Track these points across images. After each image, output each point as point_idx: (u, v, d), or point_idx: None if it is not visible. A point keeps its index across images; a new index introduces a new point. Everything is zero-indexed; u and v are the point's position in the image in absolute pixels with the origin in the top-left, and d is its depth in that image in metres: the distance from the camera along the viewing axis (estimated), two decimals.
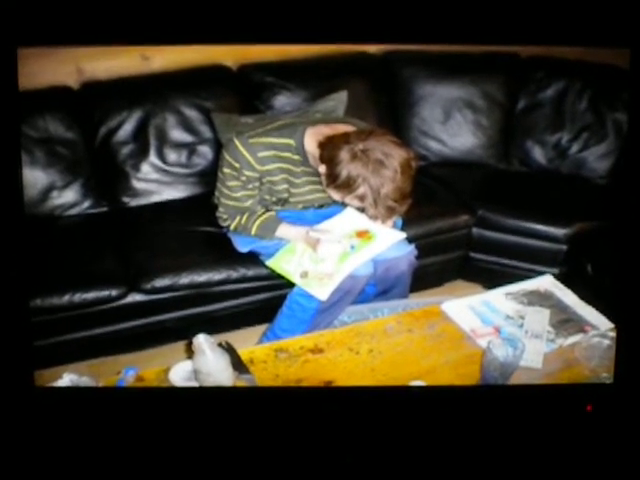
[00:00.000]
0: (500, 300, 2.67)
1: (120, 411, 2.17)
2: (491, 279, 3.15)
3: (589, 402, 2.19)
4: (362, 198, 2.60)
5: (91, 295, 2.87)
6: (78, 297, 2.85)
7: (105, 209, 3.39)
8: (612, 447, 2.15)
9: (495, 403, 2.23)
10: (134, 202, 3.41)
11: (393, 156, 2.55)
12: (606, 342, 2.36)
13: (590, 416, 2.19)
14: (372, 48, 4.00)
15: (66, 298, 2.83)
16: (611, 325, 2.48)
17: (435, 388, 2.28)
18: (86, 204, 3.33)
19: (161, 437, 2.15)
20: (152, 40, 2.35)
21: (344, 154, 2.56)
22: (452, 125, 3.91)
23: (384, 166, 2.53)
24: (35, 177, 3.21)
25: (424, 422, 2.20)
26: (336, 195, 2.71)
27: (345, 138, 2.62)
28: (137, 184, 3.40)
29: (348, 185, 2.58)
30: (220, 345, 2.26)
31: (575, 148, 3.79)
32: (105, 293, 2.89)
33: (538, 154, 3.87)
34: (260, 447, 2.16)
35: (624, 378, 2.16)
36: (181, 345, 2.92)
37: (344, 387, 2.29)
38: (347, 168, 2.55)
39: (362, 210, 2.71)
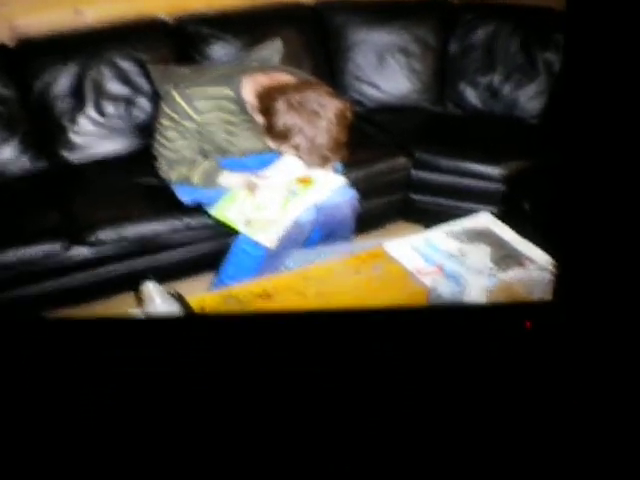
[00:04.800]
0: (441, 239, 2.64)
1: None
2: (432, 219, 3.12)
3: (528, 319, 2.20)
4: (297, 147, 2.62)
5: (36, 249, 2.79)
6: (22, 252, 2.77)
7: (45, 165, 3.27)
8: (552, 364, 2.17)
9: (436, 324, 2.23)
10: (73, 156, 3.29)
11: (328, 107, 2.57)
12: (546, 276, 2.35)
13: (530, 333, 2.20)
14: None
15: (11, 254, 2.75)
16: (549, 259, 2.47)
17: (381, 309, 2.26)
18: (24, 160, 3.20)
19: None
20: None
21: (281, 105, 2.58)
22: (386, 70, 3.86)
23: (319, 117, 2.55)
24: None
25: (371, 341, 2.20)
26: (273, 144, 2.72)
27: (282, 89, 2.63)
28: (75, 138, 3.28)
29: (284, 135, 2.61)
30: (170, 294, 2.20)
31: (507, 89, 3.78)
32: (50, 247, 2.81)
33: (471, 96, 3.85)
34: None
35: (562, 296, 2.18)
36: (130, 295, 2.85)
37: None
38: (283, 118, 2.58)
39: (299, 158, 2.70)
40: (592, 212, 2.17)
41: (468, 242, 2.62)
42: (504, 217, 2.81)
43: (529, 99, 3.75)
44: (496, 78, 3.80)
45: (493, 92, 3.81)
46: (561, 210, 2.18)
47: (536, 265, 2.46)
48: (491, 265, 2.47)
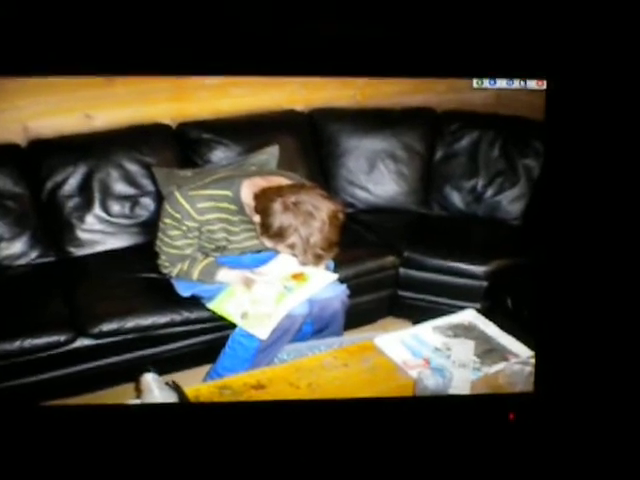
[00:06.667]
0: (428, 334, 2.69)
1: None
2: (419, 315, 3.14)
3: (511, 411, 2.22)
4: (292, 246, 2.64)
5: (41, 340, 2.77)
6: (28, 343, 2.75)
7: (52, 259, 3.30)
8: (534, 453, 2.18)
9: (424, 414, 2.24)
10: (80, 252, 3.32)
11: (321, 209, 2.61)
12: (527, 369, 2.38)
13: (513, 424, 2.21)
14: (299, 106, 4.02)
15: (17, 344, 2.73)
16: (531, 353, 2.50)
17: (371, 400, 2.28)
18: (34, 254, 3.23)
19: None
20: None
21: (277, 206, 2.61)
22: (376, 175, 3.94)
23: (313, 218, 2.59)
24: None
25: (360, 431, 2.21)
26: (269, 243, 2.74)
27: (278, 191, 2.67)
28: (82, 235, 3.32)
29: (280, 234, 2.63)
30: (167, 384, 2.22)
31: (490, 192, 3.85)
32: (54, 338, 2.80)
33: (456, 199, 3.92)
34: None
35: (544, 388, 2.20)
36: (130, 386, 2.83)
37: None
38: (279, 219, 2.60)
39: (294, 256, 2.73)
40: (570, 306, 2.23)
41: (454, 337, 2.66)
42: (488, 313, 2.85)
43: (510, 202, 3.80)
44: (479, 182, 3.88)
45: (476, 196, 3.87)
46: (541, 305, 2.24)
47: (518, 359, 2.49)
48: (475, 359, 2.50)
